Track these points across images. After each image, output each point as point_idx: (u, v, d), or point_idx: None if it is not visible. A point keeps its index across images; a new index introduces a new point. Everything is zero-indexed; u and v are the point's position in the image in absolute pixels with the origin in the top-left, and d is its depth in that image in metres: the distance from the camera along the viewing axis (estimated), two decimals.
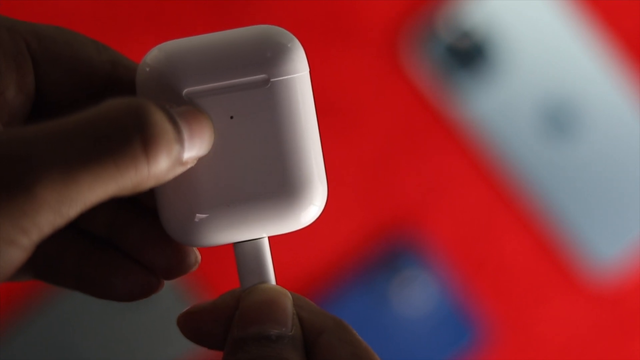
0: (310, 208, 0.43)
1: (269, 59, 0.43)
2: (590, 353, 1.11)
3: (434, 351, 1.09)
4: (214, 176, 0.43)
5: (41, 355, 1.02)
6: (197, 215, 0.43)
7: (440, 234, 1.10)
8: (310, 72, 0.44)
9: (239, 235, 0.43)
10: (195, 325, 0.43)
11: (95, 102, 0.39)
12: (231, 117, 0.43)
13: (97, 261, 0.44)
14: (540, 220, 1.12)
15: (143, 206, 0.45)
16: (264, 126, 0.43)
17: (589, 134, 1.13)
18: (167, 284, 0.46)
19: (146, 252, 0.45)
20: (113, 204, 0.45)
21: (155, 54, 0.43)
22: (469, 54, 1.11)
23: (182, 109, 0.41)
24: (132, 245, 0.45)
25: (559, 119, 1.12)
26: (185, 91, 0.43)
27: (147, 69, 0.43)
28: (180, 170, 0.40)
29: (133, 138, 0.38)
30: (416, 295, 1.08)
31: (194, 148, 0.41)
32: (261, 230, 0.43)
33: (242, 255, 0.44)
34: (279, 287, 0.43)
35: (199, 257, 0.45)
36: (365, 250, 1.09)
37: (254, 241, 0.44)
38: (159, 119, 0.39)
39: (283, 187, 0.43)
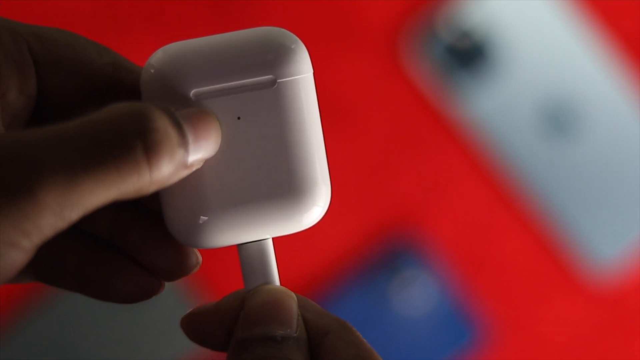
0: (314, 209, 0.43)
1: (276, 59, 0.43)
2: (590, 353, 1.11)
3: (434, 351, 1.09)
4: (220, 177, 0.43)
5: (41, 355, 1.02)
6: (202, 216, 0.43)
7: (440, 233, 1.10)
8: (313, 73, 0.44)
9: (244, 236, 0.43)
10: (198, 327, 0.43)
11: (96, 104, 0.39)
12: (238, 118, 0.43)
13: (98, 263, 0.44)
14: (541, 220, 1.11)
15: (144, 208, 0.45)
16: (270, 127, 0.43)
17: (589, 134, 1.13)
18: (168, 284, 0.46)
19: (147, 254, 0.44)
20: (114, 206, 0.44)
21: (160, 56, 0.43)
22: (469, 54, 1.11)
23: (188, 110, 0.41)
24: (133, 246, 0.45)
25: (559, 119, 1.12)
26: (192, 92, 0.42)
27: (152, 71, 0.43)
28: (185, 173, 0.40)
29: (135, 144, 0.38)
30: (416, 295, 1.08)
31: (200, 151, 0.41)
32: (265, 232, 0.43)
33: (246, 256, 0.44)
34: (283, 288, 0.43)
35: (200, 258, 0.45)
36: (366, 250, 1.09)
37: (258, 242, 0.44)
38: (162, 124, 0.39)
39: (288, 188, 0.43)
